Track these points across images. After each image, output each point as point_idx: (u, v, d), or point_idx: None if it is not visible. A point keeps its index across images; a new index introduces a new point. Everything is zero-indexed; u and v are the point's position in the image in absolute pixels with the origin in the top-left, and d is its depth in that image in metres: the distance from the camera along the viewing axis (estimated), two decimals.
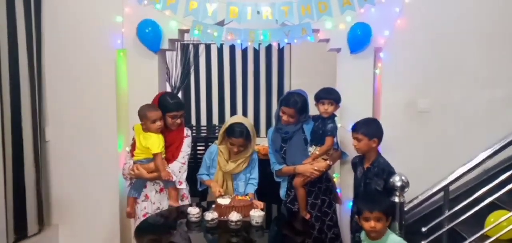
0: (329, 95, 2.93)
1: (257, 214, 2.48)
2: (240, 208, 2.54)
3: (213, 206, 2.64)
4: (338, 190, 3.27)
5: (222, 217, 2.53)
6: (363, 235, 2.41)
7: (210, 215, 2.47)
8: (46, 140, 3.47)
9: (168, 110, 2.83)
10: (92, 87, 3.43)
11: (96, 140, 3.46)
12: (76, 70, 3.42)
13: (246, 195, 2.88)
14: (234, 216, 2.45)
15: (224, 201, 2.61)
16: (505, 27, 3.32)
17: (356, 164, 2.89)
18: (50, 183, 3.54)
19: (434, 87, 3.37)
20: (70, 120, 3.48)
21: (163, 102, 2.86)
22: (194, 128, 5.31)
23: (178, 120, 2.88)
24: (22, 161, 3.17)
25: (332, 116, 2.96)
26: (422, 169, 3.11)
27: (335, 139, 2.97)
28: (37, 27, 3.30)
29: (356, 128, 2.76)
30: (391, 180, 2.54)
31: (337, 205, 3.21)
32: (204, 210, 2.60)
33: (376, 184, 2.65)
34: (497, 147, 2.68)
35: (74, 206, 3.56)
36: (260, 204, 2.69)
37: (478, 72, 3.36)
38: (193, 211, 2.54)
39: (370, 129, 2.72)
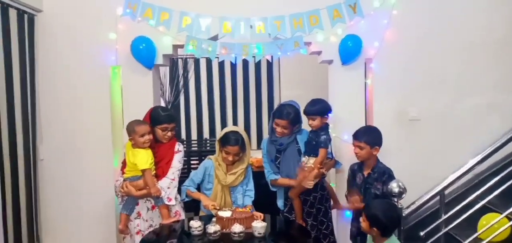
0: (311, 109, 2.96)
1: (259, 225, 2.50)
2: (242, 219, 2.55)
3: (214, 219, 2.64)
4: None
5: (224, 230, 2.53)
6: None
7: (213, 228, 2.48)
8: (40, 159, 3.43)
9: (159, 123, 2.81)
10: (87, 104, 3.42)
11: (91, 157, 3.44)
12: (70, 87, 3.41)
13: (245, 207, 2.90)
14: (237, 228, 2.47)
15: (225, 213, 2.62)
16: (488, 37, 3.44)
17: (355, 170, 2.94)
18: (45, 202, 3.48)
19: (423, 95, 3.47)
20: (64, 138, 3.45)
21: (155, 115, 2.84)
22: (185, 142, 5.28)
23: (169, 133, 2.85)
24: (17, 179, 3.12)
25: (325, 128, 3.00)
26: (414, 175, 3.16)
27: (328, 149, 3.02)
28: (30, 44, 3.27)
29: (358, 137, 2.81)
30: (389, 186, 2.60)
31: (333, 213, 3.25)
32: (205, 223, 2.59)
33: (376, 189, 2.71)
34: (488, 151, 2.77)
35: (69, 225, 3.51)
36: (261, 215, 2.71)
37: (462, 80, 3.48)
38: (195, 224, 2.54)
39: (371, 137, 2.79)
